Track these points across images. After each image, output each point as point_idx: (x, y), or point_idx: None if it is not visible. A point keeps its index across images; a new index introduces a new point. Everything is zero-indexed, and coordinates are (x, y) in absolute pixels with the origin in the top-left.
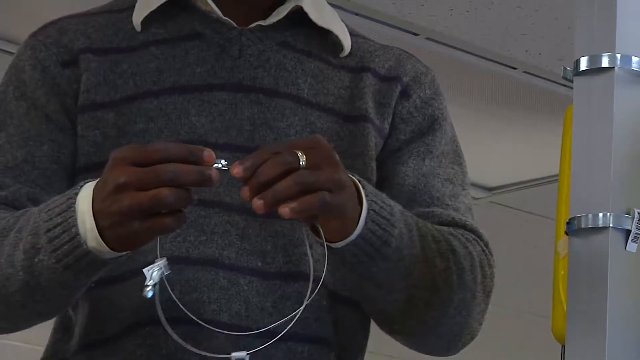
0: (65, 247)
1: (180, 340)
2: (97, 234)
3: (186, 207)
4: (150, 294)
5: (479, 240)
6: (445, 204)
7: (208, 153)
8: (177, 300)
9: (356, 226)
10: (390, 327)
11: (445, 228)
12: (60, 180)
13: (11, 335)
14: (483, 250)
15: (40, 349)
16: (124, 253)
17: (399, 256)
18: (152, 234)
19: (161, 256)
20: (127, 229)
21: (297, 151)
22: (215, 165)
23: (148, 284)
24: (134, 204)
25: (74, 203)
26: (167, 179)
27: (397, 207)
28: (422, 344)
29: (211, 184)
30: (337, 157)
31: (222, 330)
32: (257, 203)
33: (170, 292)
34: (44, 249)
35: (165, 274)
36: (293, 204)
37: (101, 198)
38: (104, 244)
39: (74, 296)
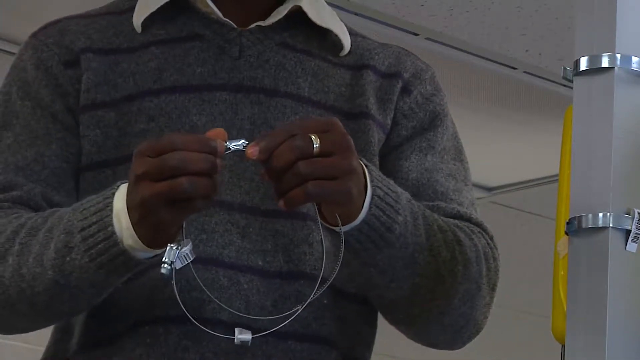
0: (100, 245)
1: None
2: (133, 231)
3: (212, 194)
4: (166, 272)
5: (483, 234)
6: (450, 199)
7: (219, 144)
8: (199, 281)
9: (360, 212)
10: (394, 316)
11: (451, 220)
12: (70, 179)
13: (11, 335)
14: (488, 243)
15: (40, 349)
16: (159, 251)
17: (403, 243)
18: (179, 220)
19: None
20: (154, 218)
21: (311, 135)
22: (237, 144)
23: (165, 260)
24: (153, 193)
25: (111, 202)
26: (173, 165)
27: (404, 195)
28: (426, 335)
29: (217, 171)
30: (350, 141)
31: (223, 329)
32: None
33: (194, 274)
34: (77, 247)
35: (191, 258)
36: (283, 199)
37: (128, 193)
38: (140, 241)
39: (100, 296)
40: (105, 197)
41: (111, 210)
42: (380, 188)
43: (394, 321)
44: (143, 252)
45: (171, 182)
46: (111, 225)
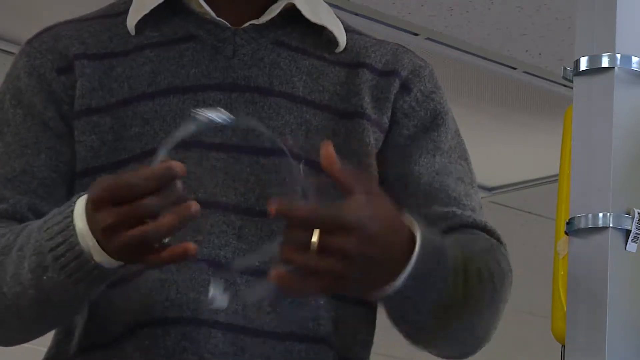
0: (73, 264)
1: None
2: (101, 250)
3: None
4: None
5: (499, 245)
6: (463, 204)
7: (176, 164)
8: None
9: (391, 282)
10: (405, 333)
11: (479, 242)
12: (60, 188)
13: (11, 346)
14: (505, 256)
15: (40, 349)
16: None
17: (437, 299)
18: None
19: None
20: (128, 253)
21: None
22: (218, 116)
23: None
24: (127, 242)
25: (72, 221)
26: (148, 214)
27: (452, 257)
28: (436, 351)
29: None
30: (362, 247)
31: (221, 330)
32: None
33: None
34: (52, 266)
35: None
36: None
37: (96, 233)
38: (110, 258)
39: (86, 302)
40: (65, 217)
41: (74, 229)
42: (425, 263)
43: (403, 335)
44: (116, 263)
45: (144, 230)
46: (78, 244)
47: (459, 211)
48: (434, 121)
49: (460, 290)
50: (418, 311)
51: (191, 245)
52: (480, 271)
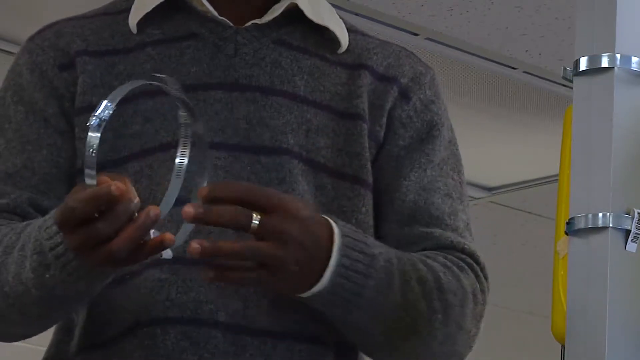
0: (74, 262)
1: None
2: None
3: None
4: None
5: (474, 265)
6: (445, 224)
7: (115, 187)
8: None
9: (319, 279)
10: (371, 355)
11: (441, 257)
12: (61, 184)
13: (12, 342)
14: (477, 276)
15: (40, 349)
16: None
17: (374, 305)
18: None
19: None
20: (105, 267)
21: (254, 213)
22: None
23: (96, 114)
24: (96, 262)
25: None
26: (102, 237)
27: (383, 256)
28: None
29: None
30: (294, 233)
31: (220, 330)
32: (194, 246)
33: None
34: (53, 264)
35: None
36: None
37: (73, 250)
38: None
39: (91, 297)
40: None
41: None
42: (348, 256)
43: (371, 357)
44: None
45: (107, 251)
46: None
47: (438, 232)
48: (430, 132)
49: (399, 304)
50: (358, 316)
51: (168, 235)
52: (425, 280)
